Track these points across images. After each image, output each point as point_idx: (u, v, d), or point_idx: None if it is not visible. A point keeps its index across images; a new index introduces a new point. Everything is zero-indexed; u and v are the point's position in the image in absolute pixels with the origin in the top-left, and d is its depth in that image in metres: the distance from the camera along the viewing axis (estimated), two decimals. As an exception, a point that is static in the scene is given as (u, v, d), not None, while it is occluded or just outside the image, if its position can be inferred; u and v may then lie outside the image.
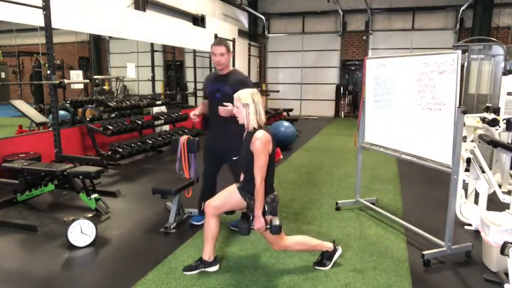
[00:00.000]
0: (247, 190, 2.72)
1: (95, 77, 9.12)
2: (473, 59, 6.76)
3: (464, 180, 3.81)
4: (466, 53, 6.63)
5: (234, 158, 3.41)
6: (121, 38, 7.19)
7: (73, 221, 3.23)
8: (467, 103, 6.85)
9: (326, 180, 5.48)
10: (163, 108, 7.94)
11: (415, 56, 3.39)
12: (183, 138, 3.76)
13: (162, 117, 7.42)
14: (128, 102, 6.82)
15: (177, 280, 2.76)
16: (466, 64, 6.75)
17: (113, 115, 7.34)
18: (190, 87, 10.81)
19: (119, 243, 3.38)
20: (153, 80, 8.25)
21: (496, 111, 4.65)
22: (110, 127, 6.16)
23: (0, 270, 2.91)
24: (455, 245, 3.11)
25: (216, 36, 8.98)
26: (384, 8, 12.99)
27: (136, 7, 7.66)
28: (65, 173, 3.98)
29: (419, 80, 3.28)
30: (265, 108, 2.90)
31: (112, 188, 4.82)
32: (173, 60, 11.09)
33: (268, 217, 2.63)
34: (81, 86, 8.60)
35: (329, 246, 2.94)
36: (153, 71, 8.26)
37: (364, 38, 13.41)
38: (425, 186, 5.22)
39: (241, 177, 2.81)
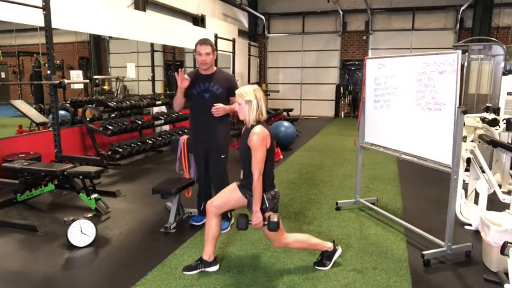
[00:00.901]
0: (247, 186, 2.71)
1: (95, 77, 9.10)
2: (473, 59, 6.76)
3: (464, 180, 3.82)
4: (466, 53, 6.63)
5: (222, 156, 3.44)
6: (121, 38, 7.19)
7: (73, 221, 3.23)
8: (467, 103, 6.85)
9: (326, 180, 5.48)
10: (163, 108, 7.94)
11: (415, 56, 3.39)
12: (183, 138, 3.76)
13: (162, 117, 7.42)
14: (128, 102, 6.82)
15: (177, 280, 2.76)
16: (466, 64, 6.75)
17: (113, 115, 7.34)
18: (190, 87, 10.79)
19: (119, 243, 3.38)
20: (153, 80, 8.25)
21: (496, 111, 4.65)
22: (110, 127, 6.16)
23: (0, 270, 2.90)
24: (455, 245, 3.11)
25: (216, 36, 8.98)
26: (384, 8, 12.99)
27: (137, 7, 7.66)
28: (65, 173, 3.98)
29: (419, 80, 3.28)
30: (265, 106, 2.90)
31: (112, 188, 4.82)
32: (173, 60, 11.09)
33: (268, 213, 2.62)
34: (81, 86, 8.59)
35: (329, 246, 2.94)
36: (153, 71, 8.26)
37: (364, 38, 13.41)
38: (425, 186, 5.22)
39: (241, 174, 2.80)
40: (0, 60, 8.80)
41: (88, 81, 8.35)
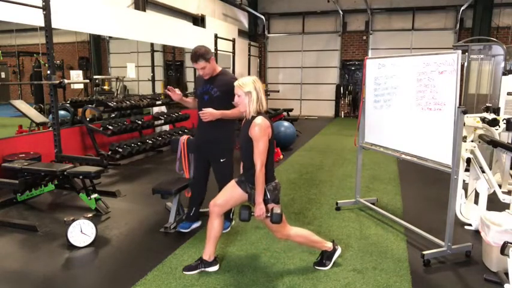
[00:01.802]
0: (247, 179, 2.71)
1: (95, 77, 9.11)
2: (473, 59, 6.77)
3: (464, 180, 3.82)
4: (466, 53, 6.63)
5: (222, 160, 3.41)
6: (121, 38, 7.19)
7: (73, 221, 3.23)
8: (467, 103, 6.85)
9: (326, 180, 5.48)
10: (163, 108, 7.95)
11: (415, 56, 3.39)
12: (183, 138, 3.75)
13: (162, 117, 7.42)
14: (128, 102, 6.82)
15: (177, 280, 2.76)
16: (466, 64, 6.75)
17: (113, 115, 7.34)
18: (191, 87, 10.82)
19: (119, 243, 3.38)
20: (153, 80, 8.25)
21: (496, 111, 4.65)
22: (110, 127, 6.16)
23: (0, 270, 2.90)
24: (455, 245, 3.11)
25: (216, 36, 8.98)
26: (384, 8, 12.99)
27: (137, 7, 7.66)
28: (65, 173, 3.98)
29: (419, 80, 3.28)
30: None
31: (112, 188, 4.82)
32: (173, 60, 11.09)
33: (270, 205, 2.62)
34: (81, 86, 8.60)
35: (329, 246, 2.94)
36: (153, 71, 8.26)
37: (364, 38, 13.41)
38: (425, 186, 5.22)
39: (241, 167, 2.80)
40: (0, 60, 8.80)
41: (88, 81, 8.35)
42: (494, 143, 4.03)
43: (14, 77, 9.46)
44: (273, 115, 9.57)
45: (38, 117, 6.46)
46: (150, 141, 6.71)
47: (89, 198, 4.01)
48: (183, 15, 9.61)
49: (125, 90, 9.61)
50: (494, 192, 3.60)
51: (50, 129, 5.48)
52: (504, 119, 4.53)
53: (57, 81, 4.68)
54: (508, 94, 5.62)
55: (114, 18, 6.55)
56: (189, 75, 11.26)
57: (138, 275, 2.81)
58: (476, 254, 3.14)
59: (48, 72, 4.64)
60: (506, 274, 2.54)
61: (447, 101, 2.99)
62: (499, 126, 4.38)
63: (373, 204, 4.27)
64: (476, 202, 3.76)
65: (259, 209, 2.58)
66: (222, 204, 2.80)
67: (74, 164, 4.40)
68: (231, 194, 2.80)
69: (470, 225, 3.71)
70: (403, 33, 12.88)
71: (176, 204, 3.71)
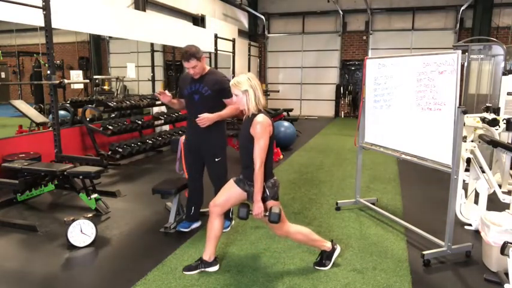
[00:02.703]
0: (245, 177, 2.71)
1: (95, 77, 9.11)
2: (473, 59, 6.77)
3: (464, 180, 3.82)
4: (466, 53, 6.63)
5: (217, 159, 3.40)
6: (121, 38, 7.18)
7: (73, 221, 3.23)
8: (467, 103, 6.85)
9: (326, 180, 5.48)
10: (163, 108, 7.94)
11: (415, 56, 3.39)
12: (183, 138, 3.75)
13: (162, 117, 7.42)
14: (128, 102, 6.82)
15: (177, 280, 2.76)
16: (466, 64, 6.75)
17: (113, 115, 7.34)
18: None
19: (119, 243, 3.38)
20: (153, 80, 8.24)
21: (496, 111, 4.65)
22: (110, 127, 6.16)
23: (0, 270, 2.90)
24: (455, 245, 3.11)
25: (216, 36, 8.98)
26: (384, 8, 12.99)
27: (137, 7, 7.66)
28: (65, 173, 3.98)
29: (419, 80, 3.28)
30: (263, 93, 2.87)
31: (112, 188, 4.82)
32: (173, 60, 11.09)
33: (269, 204, 2.62)
34: (81, 86, 8.60)
35: (328, 246, 2.94)
36: (153, 71, 8.25)
37: (364, 38, 13.41)
38: (425, 186, 5.22)
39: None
40: (0, 60, 8.80)
41: (88, 81, 8.35)
42: (494, 143, 4.03)
43: (14, 77, 9.46)
44: (273, 115, 9.56)
45: (38, 117, 6.46)
46: (150, 141, 6.71)
47: (89, 198, 4.01)
48: (183, 15, 9.61)
49: (125, 90, 9.61)
50: (494, 192, 3.60)
51: (50, 129, 5.48)
52: (504, 119, 4.54)
53: (57, 81, 4.68)
54: (508, 94, 5.62)
55: (114, 18, 6.54)
56: (189, 75, 11.24)
57: (138, 275, 2.81)
58: (476, 254, 3.14)
59: (48, 72, 4.64)
60: (506, 274, 2.54)
61: (447, 101, 2.99)
62: (499, 126, 4.38)
63: (373, 204, 4.27)
64: (476, 202, 3.76)
65: (258, 208, 2.58)
66: (222, 204, 2.79)
67: (74, 164, 4.40)
68: (230, 193, 2.79)
69: (470, 225, 3.71)
70: (403, 33, 12.88)
71: (176, 204, 3.71)
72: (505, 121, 4.50)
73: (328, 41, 13.80)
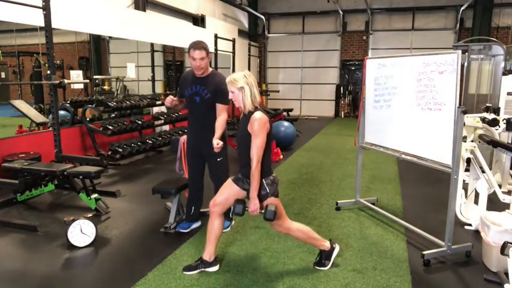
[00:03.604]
0: (243, 174, 2.71)
1: (95, 77, 9.10)
2: (473, 59, 6.77)
3: (464, 180, 3.82)
4: (466, 53, 6.64)
5: (219, 159, 3.39)
6: (121, 38, 7.19)
7: (73, 221, 3.23)
8: (467, 103, 6.86)
9: (326, 180, 5.48)
10: (163, 108, 7.94)
11: (415, 56, 3.39)
12: (183, 138, 3.75)
13: (162, 117, 7.42)
14: (127, 102, 6.82)
15: (177, 280, 2.76)
16: (466, 64, 6.75)
17: (113, 115, 7.34)
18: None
19: (119, 243, 3.38)
20: (153, 80, 8.24)
21: (496, 111, 4.65)
22: (110, 127, 6.16)
23: (0, 270, 2.90)
24: (455, 245, 3.11)
25: (216, 36, 8.98)
26: (384, 8, 13.00)
27: (136, 7, 7.66)
28: (65, 173, 3.98)
29: (419, 80, 3.28)
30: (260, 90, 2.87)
31: (112, 188, 4.82)
32: (173, 60, 11.08)
33: (270, 200, 2.62)
34: (81, 86, 8.59)
35: (327, 245, 2.94)
36: (153, 71, 8.24)
37: (364, 38, 13.41)
38: (425, 186, 5.22)
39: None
40: (0, 60, 8.80)
41: (88, 81, 8.34)
42: (494, 143, 4.03)
43: (14, 77, 9.45)
44: (273, 115, 9.56)
45: (38, 117, 6.46)
46: (150, 141, 6.71)
47: (89, 198, 4.01)
48: (183, 15, 9.60)
49: (125, 90, 9.61)
50: (494, 192, 3.60)
51: (50, 129, 5.48)
52: (504, 119, 4.54)
53: (57, 81, 4.68)
54: (508, 94, 5.61)
55: (114, 18, 6.54)
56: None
57: (138, 275, 2.81)
58: (476, 254, 3.14)
59: (48, 72, 4.64)
60: (506, 274, 2.54)
61: (447, 101, 2.99)
62: (499, 126, 4.38)
63: (373, 204, 4.27)
64: (476, 202, 3.76)
65: (254, 204, 2.58)
66: (222, 203, 2.79)
67: (74, 164, 4.40)
68: (229, 192, 2.79)
69: (470, 225, 3.71)
70: (403, 33, 12.89)
71: (176, 204, 3.71)
72: (505, 121, 4.50)
73: (328, 41, 13.80)
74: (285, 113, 10.25)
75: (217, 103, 3.28)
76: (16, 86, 9.48)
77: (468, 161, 3.64)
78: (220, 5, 11.48)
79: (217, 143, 2.90)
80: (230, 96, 2.66)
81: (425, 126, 3.25)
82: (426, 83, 3.20)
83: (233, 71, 9.95)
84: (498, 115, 4.49)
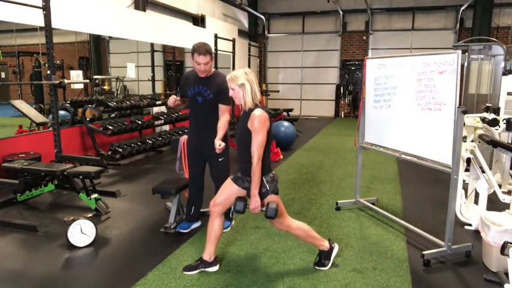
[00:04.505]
0: (243, 172, 2.70)
1: (95, 77, 9.10)
2: (473, 59, 6.77)
3: (464, 180, 3.82)
4: (466, 53, 6.64)
5: (220, 159, 3.39)
6: (121, 38, 7.19)
7: (73, 221, 3.23)
8: (467, 103, 6.86)
9: (326, 180, 5.48)
10: (163, 108, 7.95)
11: (415, 56, 3.39)
12: (183, 138, 3.75)
13: (162, 117, 7.42)
14: (128, 102, 6.82)
15: (177, 280, 2.76)
16: (466, 64, 6.75)
17: (113, 115, 7.34)
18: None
19: (119, 243, 3.38)
20: (153, 80, 8.23)
21: (496, 111, 4.65)
22: (110, 127, 6.16)
23: (0, 270, 2.90)
24: (455, 245, 3.11)
25: (216, 36, 8.97)
26: (384, 8, 13.00)
27: (136, 7, 7.66)
28: (65, 173, 3.98)
29: (419, 80, 3.28)
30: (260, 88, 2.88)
31: (112, 188, 4.82)
32: (173, 60, 11.08)
33: (270, 198, 2.62)
34: (81, 86, 8.59)
35: (326, 245, 2.94)
36: (153, 71, 8.24)
37: (364, 38, 13.41)
38: (425, 186, 5.22)
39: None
40: (0, 60, 8.79)
41: (88, 81, 8.34)
42: (494, 143, 4.03)
43: (14, 77, 9.45)
44: (273, 115, 9.57)
45: (38, 117, 6.46)
46: (150, 141, 6.71)
47: (89, 198, 4.01)
48: (183, 15, 9.60)
49: (125, 90, 9.60)
50: (494, 192, 3.60)
51: (50, 129, 5.47)
52: (504, 119, 4.53)
53: (57, 81, 4.68)
54: (508, 94, 5.61)
55: (114, 18, 6.54)
56: (189, 75, 11.22)
57: (138, 275, 2.81)
58: (476, 254, 3.14)
59: (48, 72, 4.64)
60: (506, 274, 2.54)
61: (447, 101, 2.99)
62: (499, 126, 4.37)
63: (373, 204, 4.27)
64: (476, 202, 3.76)
65: (255, 202, 2.57)
66: (222, 203, 2.79)
67: (74, 164, 4.40)
68: (229, 192, 2.79)
69: (470, 225, 3.71)
70: (403, 33, 12.89)
71: (176, 204, 3.71)
72: (505, 121, 4.50)
73: (328, 41, 13.80)
74: (285, 113, 10.25)
75: (220, 104, 3.29)
76: (16, 86, 9.47)
77: (468, 161, 3.64)
78: (220, 5, 11.48)
79: (219, 144, 2.89)
80: (230, 93, 2.65)
81: (425, 126, 3.25)
82: (426, 83, 3.20)
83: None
84: (498, 115, 4.49)
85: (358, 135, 4.25)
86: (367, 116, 4.10)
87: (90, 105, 7.01)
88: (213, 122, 3.24)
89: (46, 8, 4.45)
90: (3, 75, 9.35)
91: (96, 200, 4.06)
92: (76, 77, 6.64)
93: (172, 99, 3.36)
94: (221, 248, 3.24)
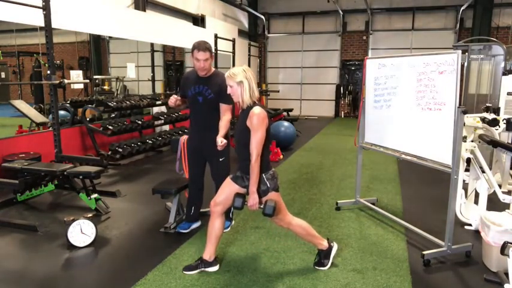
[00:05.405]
0: (242, 170, 2.70)
1: (95, 77, 9.10)
2: (473, 59, 6.77)
3: (464, 180, 3.82)
4: (466, 53, 6.63)
5: (221, 159, 3.39)
6: (121, 38, 7.19)
7: (73, 221, 3.23)
8: (467, 103, 6.86)
9: (326, 180, 5.48)
10: (163, 108, 7.94)
11: (415, 56, 3.39)
12: (183, 138, 3.75)
13: (162, 117, 7.42)
14: (128, 102, 6.82)
15: (177, 280, 2.76)
16: (466, 64, 6.75)
17: (113, 115, 7.34)
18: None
19: (119, 243, 3.38)
20: (153, 80, 8.23)
21: (496, 111, 4.65)
22: (110, 127, 6.16)
23: (0, 270, 2.90)
24: (455, 245, 3.11)
25: (216, 36, 8.97)
26: (384, 8, 13.00)
27: (137, 7, 7.66)
28: (65, 173, 3.98)
29: (419, 80, 3.28)
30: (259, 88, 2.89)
31: (112, 188, 4.82)
32: (173, 60, 11.08)
33: (267, 196, 2.62)
34: (81, 86, 8.59)
35: (325, 245, 2.94)
36: (153, 71, 8.23)
37: (364, 38, 13.41)
38: (425, 186, 5.22)
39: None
40: (0, 60, 8.79)
41: (88, 81, 8.34)
42: (494, 143, 4.03)
43: (14, 77, 9.45)
44: (273, 115, 9.57)
45: (38, 117, 6.46)
46: (150, 141, 6.71)
47: (89, 198, 4.01)
48: (183, 15, 9.60)
49: (125, 90, 9.60)
50: (494, 192, 3.60)
51: (50, 129, 5.47)
52: (504, 119, 4.54)
53: (57, 81, 4.68)
54: (508, 94, 5.62)
55: (114, 18, 6.54)
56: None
57: (138, 275, 2.81)
58: (476, 254, 3.14)
59: (48, 72, 4.64)
60: (506, 274, 2.54)
61: (447, 101, 2.99)
62: (499, 126, 4.38)
63: (373, 204, 4.27)
64: (476, 202, 3.76)
65: (253, 199, 2.58)
66: (223, 203, 2.79)
67: (74, 164, 4.40)
68: (229, 191, 2.78)
69: (470, 225, 3.71)
70: (403, 33, 12.89)
71: (176, 204, 3.71)
72: (505, 121, 4.50)
73: (328, 41, 13.80)
74: (285, 113, 10.25)
75: (221, 103, 3.29)
76: (16, 86, 9.47)
77: (468, 161, 3.63)
78: (220, 5, 11.48)
79: (221, 140, 2.89)
80: (228, 90, 2.66)
81: (425, 126, 3.25)
82: (426, 83, 3.20)
83: (233, 71, 9.93)
84: (498, 115, 4.49)
85: (358, 135, 4.25)
86: (367, 116, 4.10)
87: (90, 105, 7.01)
88: (214, 121, 3.23)
89: (46, 8, 4.45)
90: (3, 75, 9.35)
91: (96, 200, 4.06)
92: (76, 77, 6.64)
93: (173, 99, 3.37)
94: (221, 248, 3.24)
